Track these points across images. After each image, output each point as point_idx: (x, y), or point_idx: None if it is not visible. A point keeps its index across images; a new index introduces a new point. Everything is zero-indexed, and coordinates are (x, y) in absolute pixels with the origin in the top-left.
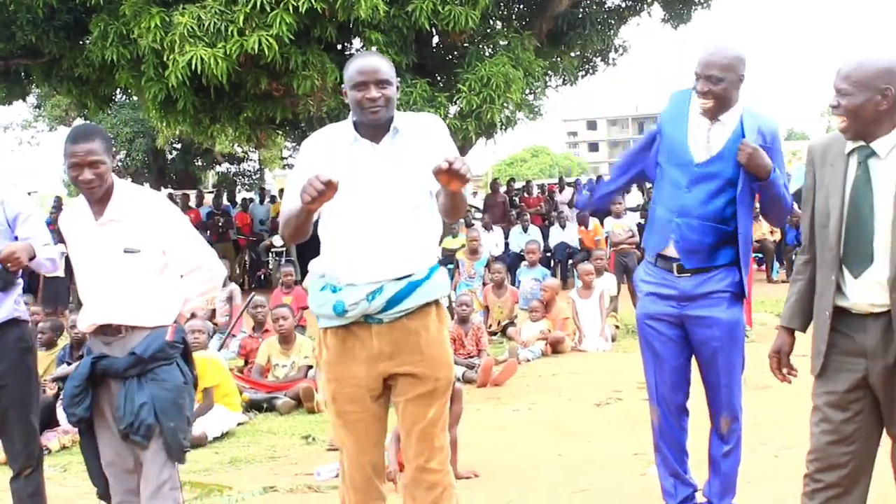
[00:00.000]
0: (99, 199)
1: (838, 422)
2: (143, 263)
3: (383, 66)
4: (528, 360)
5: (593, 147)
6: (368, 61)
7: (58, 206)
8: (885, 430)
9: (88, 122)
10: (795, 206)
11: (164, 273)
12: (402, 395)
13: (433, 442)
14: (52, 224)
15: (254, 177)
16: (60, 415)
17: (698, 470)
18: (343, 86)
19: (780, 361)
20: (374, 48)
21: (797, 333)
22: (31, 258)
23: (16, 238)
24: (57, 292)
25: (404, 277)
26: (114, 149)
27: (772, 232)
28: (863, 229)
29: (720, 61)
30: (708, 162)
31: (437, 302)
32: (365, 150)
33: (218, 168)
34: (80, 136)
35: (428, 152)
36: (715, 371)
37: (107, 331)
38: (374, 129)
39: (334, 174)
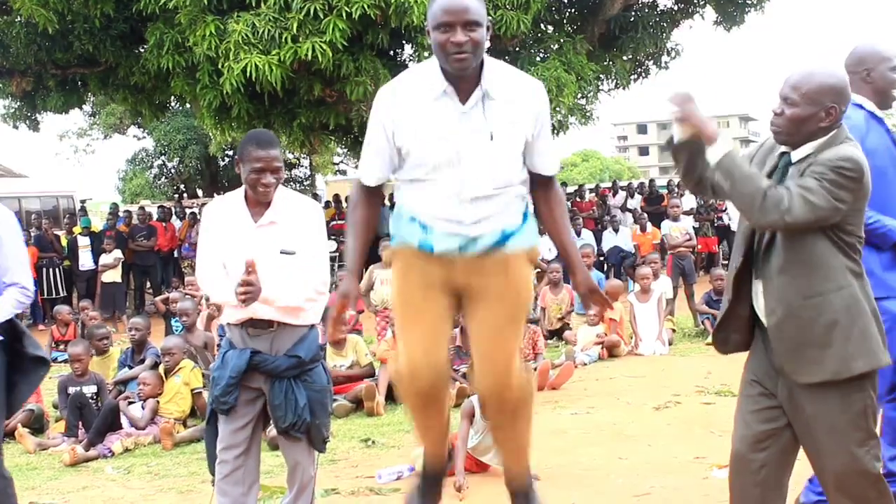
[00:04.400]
0: (264, 202)
1: None
2: (299, 264)
3: (472, 4)
4: (585, 364)
5: (643, 151)
6: None
7: (114, 212)
8: None
9: (261, 131)
10: None
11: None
12: (478, 318)
13: (511, 369)
14: (109, 230)
15: (305, 182)
16: (124, 418)
17: None
18: (426, 24)
19: None
20: (426, 53)
21: None
22: None
23: None
24: (114, 298)
25: (496, 231)
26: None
27: None
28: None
29: None
30: None
31: None
32: (452, 110)
33: None
34: (266, 143)
35: (522, 130)
36: None
37: (257, 324)
38: (461, 78)
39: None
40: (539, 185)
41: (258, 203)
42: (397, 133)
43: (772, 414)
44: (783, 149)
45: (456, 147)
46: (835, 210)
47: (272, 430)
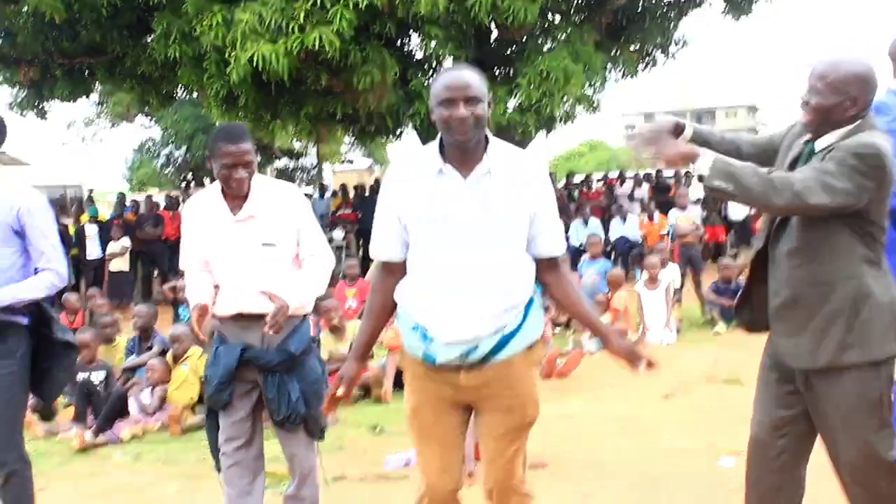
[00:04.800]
0: (241, 196)
1: None
2: (281, 255)
3: (474, 80)
4: (593, 353)
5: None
6: (457, 76)
7: (122, 201)
8: None
9: (234, 123)
10: None
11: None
12: (486, 429)
13: (514, 473)
14: (117, 219)
15: (312, 172)
16: (132, 404)
17: None
18: (430, 103)
19: None
20: (433, 43)
21: None
22: None
23: (24, 246)
24: (122, 286)
25: (498, 331)
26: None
27: None
28: None
29: None
30: None
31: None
32: (453, 185)
33: (276, 164)
34: (235, 137)
35: (523, 203)
36: None
37: (248, 317)
38: (464, 153)
39: None
40: (546, 269)
41: (236, 196)
42: (401, 211)
43: (790, 400)
44: (808, 136)
45: (457, 221)
46: (856, 197)
47: None
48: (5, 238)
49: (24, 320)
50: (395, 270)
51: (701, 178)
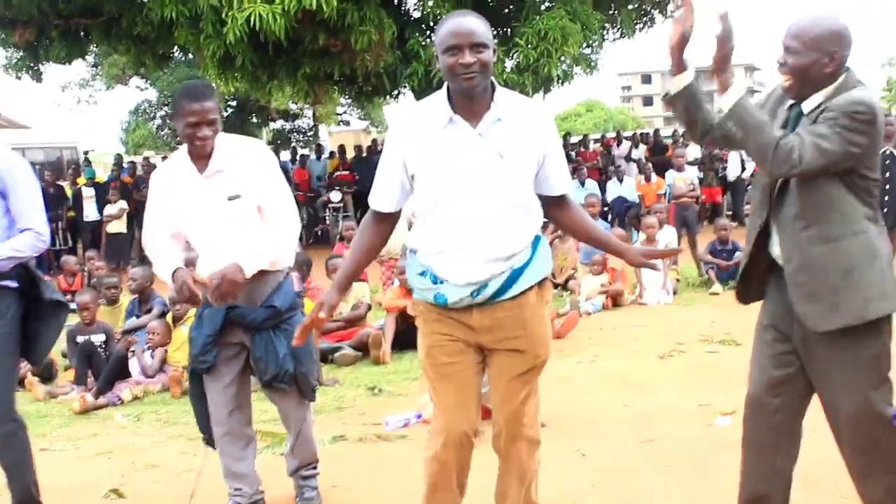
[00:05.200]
0: (206, 154)
1: None
2: (247, 207)
3: (479, 27)
4: (590, 313)
5: (648, 101)
6: (462, 22)
7: (119, 163)
8: None
9: (201, 80)
10: None
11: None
12: (498, 371)
13: (525, 417)
14: (114, 181)
15: (308, 133)
16: (133, 366)
17: None
18: (435, 50)
19: None
20: (430, 2)
21: None
22: None
23: (7, 209)
24: (120, 248)
25: (507, 270)
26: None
27: None
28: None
29: None
30: None
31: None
32: (463, 133)
33: (273, 125)
34: (199, 95)
35: (533, 149)
36: None
37: None
38: (471, 101)
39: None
40: (553, 205)
41: (201, 156)
42: (409, 161)
43: (787, 359)
44: (790, 102)
45: (469, 171)
46: (847, 154)
47: None
48: None
49: (13, 284)
50: (387, 220)
51: (718, 111)
